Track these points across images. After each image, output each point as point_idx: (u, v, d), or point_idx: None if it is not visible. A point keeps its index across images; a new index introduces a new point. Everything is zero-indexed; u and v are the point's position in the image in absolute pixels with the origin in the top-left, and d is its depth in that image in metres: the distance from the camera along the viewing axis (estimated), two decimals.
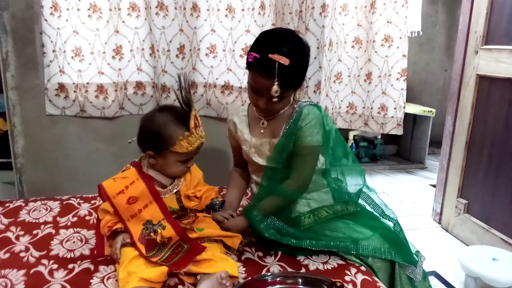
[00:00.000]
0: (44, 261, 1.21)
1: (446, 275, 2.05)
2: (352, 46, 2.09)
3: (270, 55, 1.18)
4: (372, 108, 2.10)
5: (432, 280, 2.03)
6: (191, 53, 1.94)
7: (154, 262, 1.11)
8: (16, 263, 1.20)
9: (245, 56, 1.94)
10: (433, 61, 4.28)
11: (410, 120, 3.94)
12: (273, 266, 1.22)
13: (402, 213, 2.81)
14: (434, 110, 3.67)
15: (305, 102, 1.37)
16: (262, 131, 1.39)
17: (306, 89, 2.01)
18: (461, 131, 2.41)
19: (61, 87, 1.84)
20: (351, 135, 3.94)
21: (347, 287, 1.09)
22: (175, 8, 1.82)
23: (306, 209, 1.35)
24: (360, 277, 1.17)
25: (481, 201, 2.31)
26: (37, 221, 1.47)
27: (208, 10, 1.91)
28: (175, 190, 1.27)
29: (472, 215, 2.37)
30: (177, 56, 1.88)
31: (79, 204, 1.60)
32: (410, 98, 4.06)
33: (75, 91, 1.85)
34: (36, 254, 1.25)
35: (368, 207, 1.43)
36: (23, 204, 1.57)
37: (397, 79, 2.03)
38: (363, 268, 1.22)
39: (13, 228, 1.40)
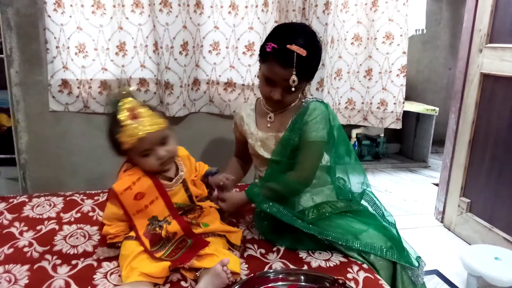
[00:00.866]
0: (48, 257, 1.22)
1: (448, 274, 2.05)
2: (352, 43, 2.10)
3: (288, 46, 1.21)
4: (371, 103, 2.12)
5: (434, 278, 2.03)
6: (194, 50, 1.94)
7: (158, 258, 1.11)
8: (20, 258, 1.21)
9: (248, 53, 1.97)
10: (436, 59, 4.26)
11: (413, 119, 3.93)
12: (275, 263, 1.23)
13: (404, 211, 2.81)
14: (437, 109, 3.66)
15: (312, 98, 1.40)
16: (268, 125, 1.42)
17: (308, 86, 2.01)
18: (465, 130, 2.41)
19: (65, 83, 1.84)
20: (354, 133, 3.94)
21: (349, 284, 1.09)
22: (179, 5, 1.82)
23: (310, 204, 1.37)
24: (362, 275, 1.17)
25: (483, 200, 2.31)
26: (40, 216, 1.47)
27: (211, 7, 1.91)
28: (179, 181, 1.25)
29: (474, 214, 2.36)
30: (180, 53, 1.88)
31: (82, 200, 1.61)
32: (413, 97, 4.05)
33: (78, 87, 1.86)
34: (40, 249, 1.26)
35: (370, 208, 1.44)
36: (26, 200, 1.58)
37: (397, 75, 2.05)
38: (365, 265, 1.22)
39: (17, 224, 1.41)
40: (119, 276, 1.11)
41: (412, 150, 4.06)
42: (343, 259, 1.25)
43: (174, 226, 1.18)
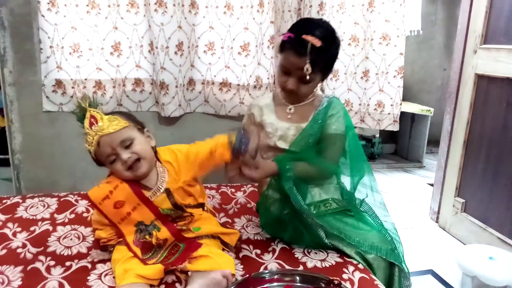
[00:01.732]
0: (42, 258, 1.21)
1: (443, 273, 2.06)
2: (349, 44, 2.09)
3: (303, 36, 1.25)
4: (368, 105, 2.11)
5: (429, 278, 2.04)
6: (190, 50, 1.93)
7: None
8: (13, 259, 1.20)
9: (243, 54, 1.97)
10: (431, 60, 4.28)
11: (409, 119, 3.94)
12: (271, 263, 1.22)
13: (399, 212, 2.81)
14: (432, 109, 3.68)
15: (332, 95, 1.45)
16: (289, 116, 1.44)
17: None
18: (459, 130, 2.42)
19: (58, 83, 1.83)
20: None
21: (345, 285, 1.09)
22: (174, 5, 1.82)
23: (317, 199, 1.39)
24: (358, 275, 1.17)
25: (478, 200, 2.31)
26: (34, 217, 1.46)
27: (206, 7, 1.91)
28: (160, 191, 1.18)
29: (469, 214, 2.37)
30: (175, 53, 1.87)
31: (76, 201, 1.60)
32: (408, 97, 4.06)
33: (72, 87, 1.85)
34: (33, 250, 1.25)
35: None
36: (20, 201, 1.57)
37: (394, 76, 2.04)
38: (361, 266, 1.22)
39: (10, 225, 1.40)
40: (114, 278, 1.11)
41: (407, 151, 4.07)
42: (338, 260, 1.25)
43: (164, 233, 1.16)
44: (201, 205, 1.30)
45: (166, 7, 1.80)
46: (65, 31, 1.79)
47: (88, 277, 1.12)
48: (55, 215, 1.48)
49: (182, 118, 2.01)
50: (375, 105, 2.10)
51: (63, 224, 1.43)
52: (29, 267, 1.16)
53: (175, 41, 1.86)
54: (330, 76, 2.12)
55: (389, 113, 2.09)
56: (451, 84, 2.51)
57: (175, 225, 1.19)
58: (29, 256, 1.22)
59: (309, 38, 1.25)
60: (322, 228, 1.29)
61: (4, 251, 1.24)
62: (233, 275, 1.10)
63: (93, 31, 1.82)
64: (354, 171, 1.43)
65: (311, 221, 1.27)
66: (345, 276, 1.16)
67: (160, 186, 1.19)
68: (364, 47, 2.06)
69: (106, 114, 1.15)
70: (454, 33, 2.63)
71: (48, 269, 1.16)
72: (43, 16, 1.74)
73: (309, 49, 1.24)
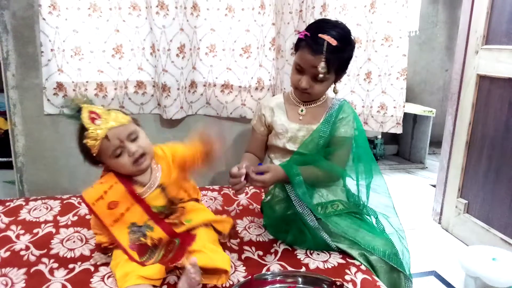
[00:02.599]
0: (45, 260, 1.21)
1: (446, 275, 2.06)
2: None
3: (320, 35, 1.28)
4: (371, 107, 2.10)
5: (432, 280, 2.03)
6: (191, 52, 1.94)
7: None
8: (17, 262, 1.20)
9: (245, 55, 1.97)
10: (433, 61, 4.28)
11: (411, 120, 3.94)
12: (273, 264, 1.22)
13: (402, 213, 2.81)
14: (434, 110, 3.67)
15: (342, 98, 1.45)
16: (300, 117, 1.44)
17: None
18: (461, 131, 2.41)
19: (60, 86, 1.84)
20: None
21: (347, 286, 1.09)
22: (176, 7, 1.82)
23: (325, 200, 1.40)
24: (360, 276, 1.17)
25: (481, 201, 2.31)
26: (37, 220, 1.47)
27: (208, 9, 1.91)
28: (155, 186, 1.19)
29: (472, 215, 2.37)
30: (177, 55, 1.88)
31: (79, 203, 1.60)
32: (410, 98, 4.06)
33: (74, 90, 1.85)
34: (37, 253, 1.25)
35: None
36: (23, 203, 1.58)
37: (397, 78, 2.03)
38: (363, 267, 1.22)
39: (13, 227, 1.40)
40: (116, 280, 1.11)
41: (409, 152, 4.07)
42: (341, 261, 1.25)
43: (158, 232, 1.16)
44: (196, 201, 1.32)
45: (168, 10, 1.81)
46: (66, 34, 1.79)
47: (91, 279, 1.13)
48: (58, 218, 1.49)
49: (184, 120, 2.02)
50: (378, 107, 2.08)
51: (66, 226, 1.44)
52: (32, 269, 1.17)
53: (176, 43, 1.86)
54: (339, 85, 2.12)
55: (392, 115, 2.07)
56: (453, 85, 2.51)
57: (166, 220, 1.19)
58: (32, 258, 1.23)
59: (325, 37, 1.27)
60: (329, 228, 1.29)
61: (8, 253, 1.25)
62: (227, 272, 1.08)
63: (94, 34, 1.83)
64: (365, 174, 1.43)
65: (313, 224, 1.27)
66: (347, 277, 1.16)
67: (155, 181, 1.19)
68: (366, 49, 2.05)
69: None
70: (455, 34, 2.63)
71: (51, 271, 1.16)
72: (44, 19, 1.74)
73: (325, 47, 1.26)
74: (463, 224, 2.42)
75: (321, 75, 1.30)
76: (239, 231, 1.42)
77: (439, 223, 2.65)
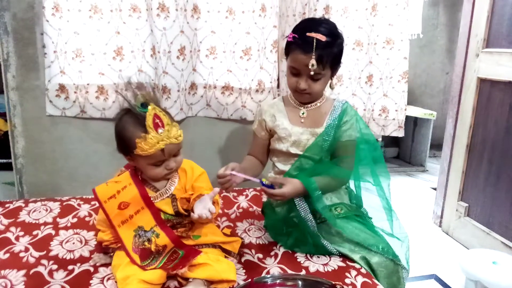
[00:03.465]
0: (44, 262, 1.21)
1: (447, 278, 2.05)
2: (353, 48, 2.08)
3: (307, 33, 1.28)
4: (373, 110, 2.10)
5: (432, 283, 2.03)
6: (192, 54, 1.94)
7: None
8: (16, 263, 1.20)
9: (245, 58, 1.97)
10: (434, 64, 4.28)
11: (411, 123, 3.94)
12: (273, 268, 1.22)
13: (402, 216, 2.80)
14: (435, 113, 3.67)
15: (343, 100, 1.44)
16: (302, 120, 1.43)
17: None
18: (462, 134, 2.41)
19: (62, 88, 1.84)
20: None
21: None
22: (176, 10, 1.82)
23: (329, 203, 1.39)
24: (360, 280, 1.17)
25: (481, 204, 2.31)
26: (37, 221, 1.46)
27: (208, 11, 1.91)
28: (166, 195, 1.20)
29: (472, 218, 2.36)
30: (177, 57, 1.88)
31: (79, 205, 1.60)
32: (411, 101, 4.06)
33: (75, 92, 1.85)
34: (36, 254, 1.25)
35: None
36: (23, 205, 1.57)
37: (399, 81, 2.02)
38: (363, 270, 1.22)
39: (13, 229, 1.40)
40: (116, 282, 1.10)
41: (410, 155, 4.07)
42: (341, 264, 1.25)
43: (163, 239, 1.15)
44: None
45: (169, 12, 1.81)
46: (68, 36, 1.79)
47: (91, 281, 1.12)
48: (58, 219, 1.49)
49: (184, 122, 2.02)
50: (380, 110, 2.08)
51: (66, 228, 1.43)
52: (31, 271, 1.16)
53: (177, 45, 1.86)
54: (335, 81, 2.12)
55: (393, 119, 2.07)
56: (453, 88, 2.51)
57: (174, 231, 1.19)
58: (31, 260, 1.22)
59: (313, 34, 1.27)
60: (331, 232, 1.30)
61: (7, 255, 1.25)
62: (234, 281, 1.10)
63: (95, 36, 1.83)
64: (367, 176, 1.42)
65: (313, 229, 1.27)
66: (347, 280, 1.16)
67: (168, 190, 1.20)
68: (368, 52, 2.05)
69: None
70: (456, 37, 2.64)
71: (50, 273, 1.16)
72: (47, 21, 1.74)
73: (315, 45, 1.26)
74: (463, 227, 2.41)
75: (317, 73, 1.30)
76: (239, 234, 1.41)
77: (440, 226, 2.64)
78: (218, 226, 1.45)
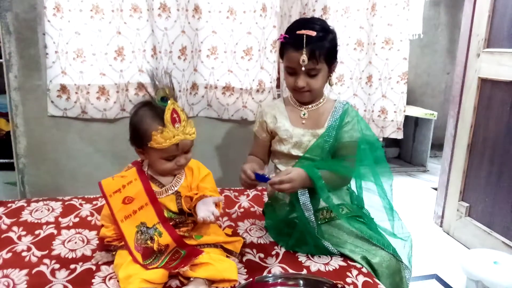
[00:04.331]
0: (46, 261, 1.21)
1: (448, 278, 2.05)
2: (354, 49, 2.08)
3: (298, 31, 1.30)
4: (373, 111, 2.09)
5: (433, 283, 2.03)
6: (193, 55, 1.94)
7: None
8: (18, 263, 1.20)
9: (246, 58, 1.97)
10: (435, 64, 4.28)
11: (412, 123, 3.94)
12: (274, 267, 1.22)
13: (403, 216, 2.80)
14: (436, 113, 3.67)
15: (344, 101, 1.45)
16: (303, 121, 1.43)
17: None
18: (463, 134, 2.41)
19: (63, 88, 1.84)
20: None
21: None
22: (177, 10, 1.83)
23: (330, 204, 1.38)
24: (361, 279, 1.17)
25: (482, 204, 2.31)
26: (39, 221, 1.47)
27: (209, 12, 1.92)
28: (171, 191, 1.21)
29: (473, 218, 2.37)
30: (179, 57, 1.88)
31: (81, 204, 1.61)
32: (412, 101, 4.06)
33: (76, 93, 1.85)
34: (38, 254, 1.26)
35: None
36: (25, 205, 1.58)
37: (398, 82, 2.01)
38: (364, 270, 1.22)
39: (15, 228, 1.41)
40: (118, 281, 1.11)
41: (411, 155, 4.07)
42: (342, 263, 1.25)
43: (165, 238, 1.16)
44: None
45: (170, 12, 1.81)
46: (69, 36, 1.80)
47: (93, 280, 1.13)
48: (60, 219, 1.49)
49: None
50: (379, 111, 2.07)
51: (68, 227, 1.44)
52: (34, 271, 1.17)
53: (178, 45, 1.87)
54: (336, 81, 2.12)
55: (392, 120, 2.06)
56: (454, 88, 2.51)
57: (177, 231, 1.19)
58: (34, 259, 1.23)
59: (303, 31, 1.29)
60: (331, 233, 1.30)
61: (9, 254, 1.25)
62: (235, 280, 1.10)
63: (96, 36, 1.83)
64: (367, 176, 1.43)
65: (314, 229, 1.27)
66: (348, 280, 1.16)
67: (173, 186, 1.21)
68: (367, 52, 2.05)
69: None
70: (457, 37, 2.64)
71: (52, 272, 1.16)
72: (49, 21, 1.75)
73: (305, 41, 1.28)
74: (464, 227, 2.42)
75: (312, 69, 1.31)
76: (240, 233, 1.42)
77: (441, 226, 2.64)
78: (220, 226, 1.45)
